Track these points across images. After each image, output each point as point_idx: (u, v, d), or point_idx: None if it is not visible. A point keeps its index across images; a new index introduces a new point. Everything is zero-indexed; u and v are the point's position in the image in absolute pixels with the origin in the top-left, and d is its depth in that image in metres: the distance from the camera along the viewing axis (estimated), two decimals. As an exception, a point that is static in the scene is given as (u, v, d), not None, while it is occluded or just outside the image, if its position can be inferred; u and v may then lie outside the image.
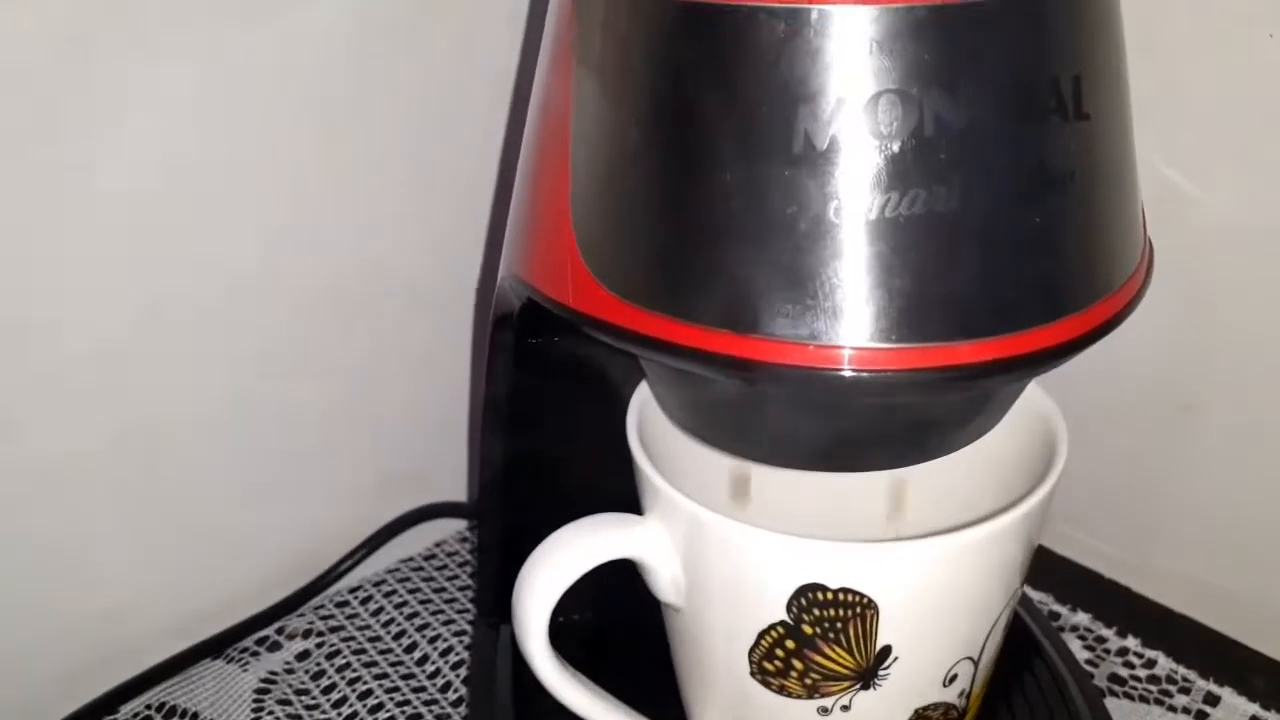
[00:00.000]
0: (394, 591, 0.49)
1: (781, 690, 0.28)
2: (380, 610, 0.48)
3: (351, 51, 0.41)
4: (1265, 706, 0.42)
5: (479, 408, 0.35)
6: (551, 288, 0.27)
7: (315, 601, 0.49)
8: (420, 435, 0.51)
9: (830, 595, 0.26)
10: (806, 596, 0.26)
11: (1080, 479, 0.49)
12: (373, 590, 0.49)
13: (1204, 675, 0.43)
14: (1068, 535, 0.50)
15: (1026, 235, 0.23)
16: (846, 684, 0.27)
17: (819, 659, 0.27)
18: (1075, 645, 0.45)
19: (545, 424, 0.36)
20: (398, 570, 0.50)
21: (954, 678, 0.28)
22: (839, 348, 0.23)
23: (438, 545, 0.51)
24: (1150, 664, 0.44)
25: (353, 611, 0.48)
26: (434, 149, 0.46)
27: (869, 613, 0.26)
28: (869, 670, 0.27)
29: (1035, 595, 0.48)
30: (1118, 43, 0.25)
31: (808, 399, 0.25)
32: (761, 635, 0.27)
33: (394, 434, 0.50)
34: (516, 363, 0.33)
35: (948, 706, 0.29)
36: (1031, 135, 0.22)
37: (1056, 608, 0.47)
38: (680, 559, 0.28)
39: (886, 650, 0.27)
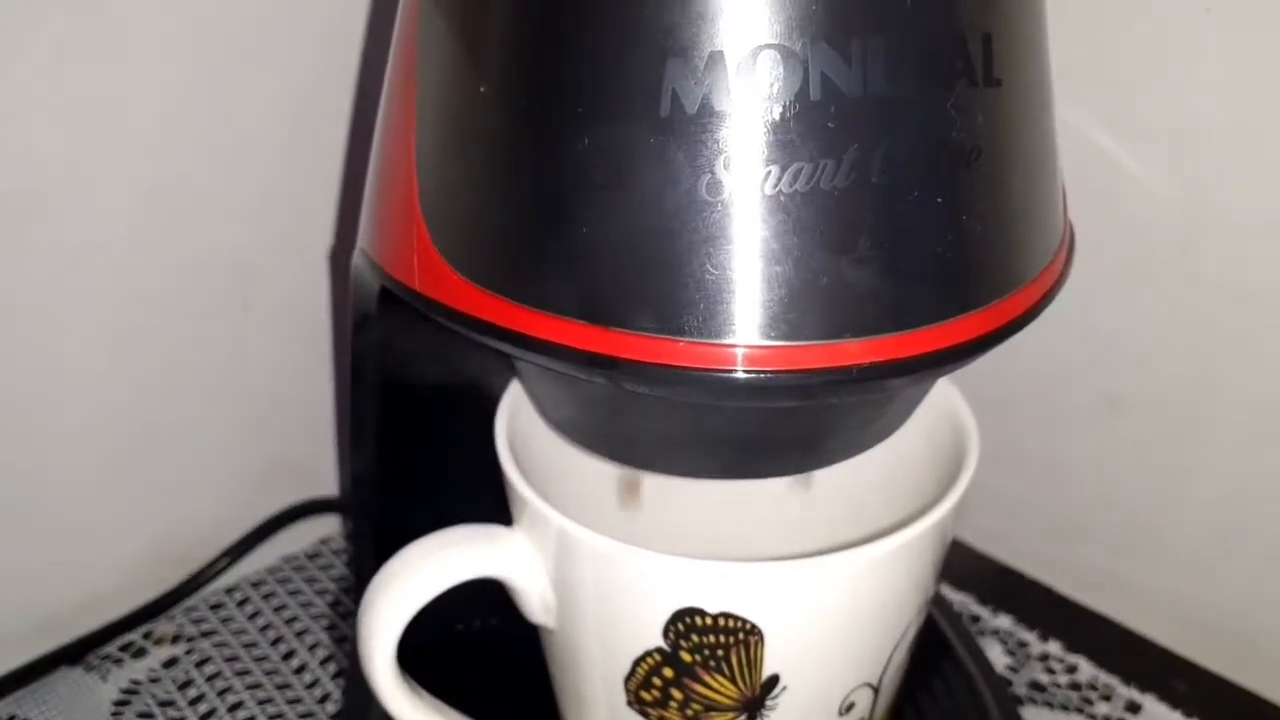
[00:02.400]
0: (273, 594, 0.45)
1: (660, 721, 0.25)
2: (258, 614, 0.44)
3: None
4: (1188, 714, 0.40)
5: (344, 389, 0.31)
6: (398, 268, 0.23)
7: (188, 603, 0.45)
8: (304, 425, 0.47)
9: (710, 620, 0.23)
10: (684, 621, 0.23)
11: (1004, 474, 0.47)
12: (250, 591, 0.45)
13: (1126, 681, 0.42)
14: (990, 532, 0.48)
15: (927, 219, 0.20)
16: (730, 715, 0.25)
17: (699, 689, 0.24)
18: (996, 650, 0.43)
19: (419, 418, 0.32)
20: (279, 569, 0.47)
21: (850, 706, 0.26)
22: (711, 344, 0.19)
23: (323, 542, 0.48)
24: (1071, 669, 0.42)
25: (227, 614, 0.44)
26: (300, 126, 0.42)
27: (753, 639, 0.23)
28: (755, 700, 0.24)
29: (955, 597, 0.46)
30: (1035, 1, 0.22)
31: (683, 402, 0.22)
32: (637, 662, 0.24)
33: (275, 423, 0.46)
34: (383, 356, 0.30)
35: (845, 736, 0.26)
36: (934, 103, 0.19)
37: (977, 609, 0.45)
38: (549, 577, 0.25)
39: (774, 680, 0.24)
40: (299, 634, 0.43)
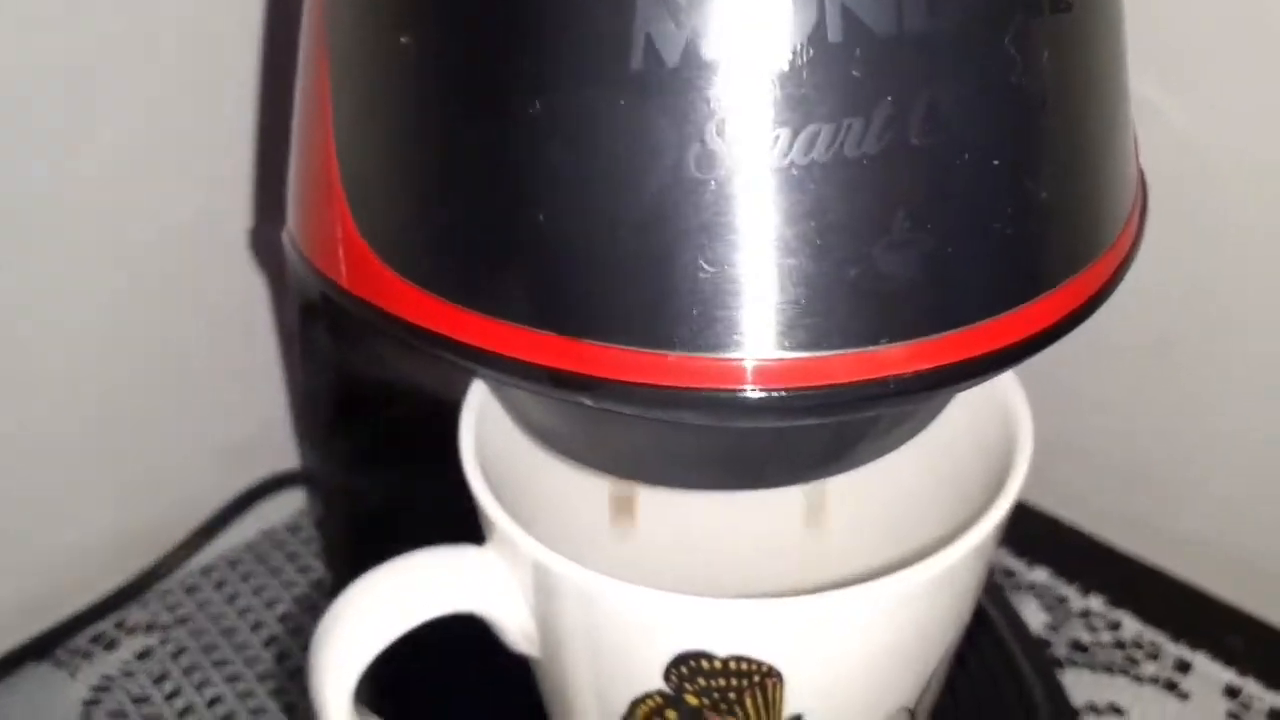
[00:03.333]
0: (252, 574, 0.42)
1: (668, 761, 0.22)
2: (236, 596, 0.41)
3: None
4: (1242, 672, 0.37)
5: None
6: (323, 260, 0.19)
7: (162, 586, 0.42)
8: (273, 397, 0.44)
9: (719, 664, 0.19)
10: (688, 665, 0.19)
11: (1043, 417, 0.43)
12: (228, 572, 0.42)
13: (1175, 638, 0.38)
14: (1027, 478, 0.44)
15: (982, 187, 0.15)
16: (748, 757, 0.21)
17: (711, 732, 0.21)
18: (1033, 607, 0.40)
19: (374, 399, 0.29)
20: (258, 545, 0.43)
21: (886, 734, 0.22)
22: (711, 359, 0.15)
23: (304, 513, 0.45)
24: (1115, 625, 0.39)
25: (204, 598, 0.41)
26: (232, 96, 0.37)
27: (770, 681, 0.20)
28: (776, 742, 0.21)
29: (987, 549, 0.42)
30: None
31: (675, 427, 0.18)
32: (635, 704, 0.21)
33: (244, 396, 0.43)
34: (332, 341, 0.26)
35: (879, 762, 0.23)
36: (989, 39, 0.15)
37: (1012, 563, 0.42)
38: (528, 605, 0.21)
39: (796, 719, 0.20)
40: (280, 618, 0.40)
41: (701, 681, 0.20)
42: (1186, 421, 0.39)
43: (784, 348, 0.15)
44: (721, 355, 0.15)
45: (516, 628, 0.22)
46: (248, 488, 0.43)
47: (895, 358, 0.15)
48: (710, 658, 0.19)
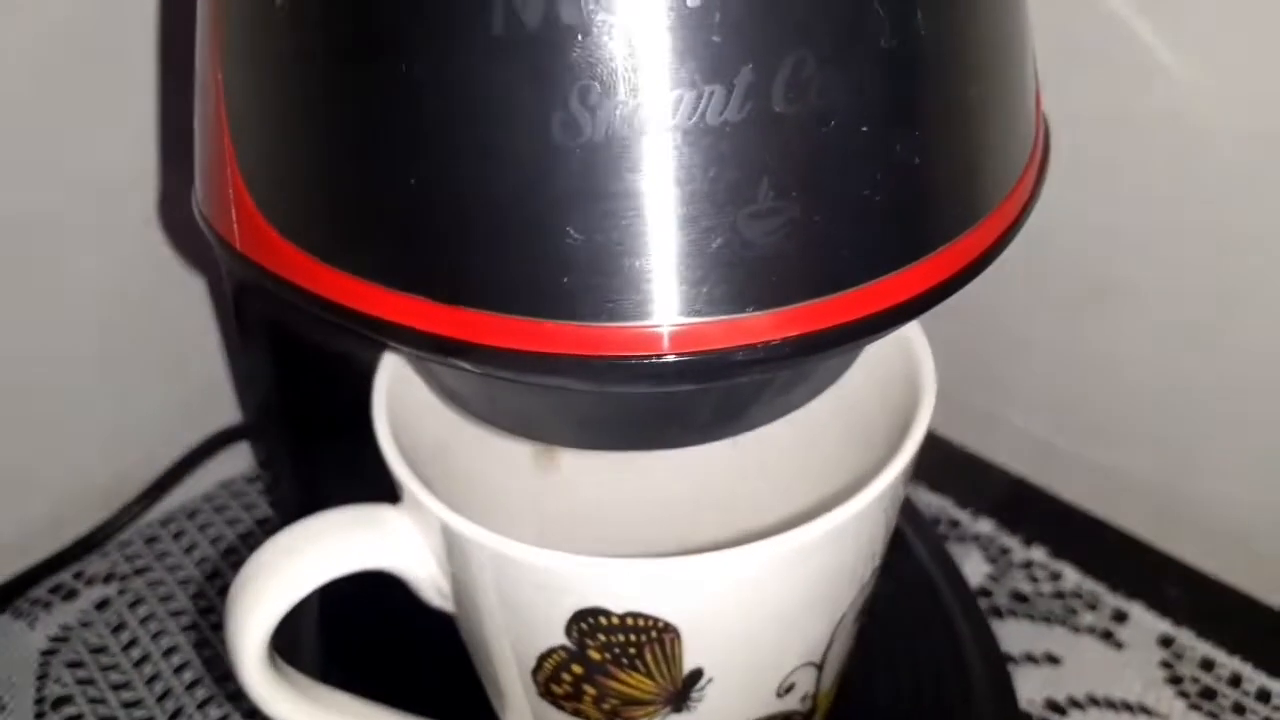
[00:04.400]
0: (210, 524, 0.43)
1: (577, 714, 0.22)
2: (194, 547, 0.42)
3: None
4: (1177, 622, 0.38)
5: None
6: (221, 223, 0.19)
7: (122, 537, 0.42)
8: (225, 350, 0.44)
9: (616, 620, 0.20)
10: (588, 621, 0.20)
11: (989, 367, 0.43)
12: (186, 524, 0.43)
13: (1114, 588, 0.39)
14: (971, 429, 0.45)
15: (849, 154, 0.15)
16: (652, 709, 0.22)
17: (613, 684, 0.21)
18: (976, 558, 0.41)
19: (309, 357, 0.29)
20: (215, 496, 0.44)
21: (791, 687, 0.23)
22: (578, 326, 0.16)
23: (263, 464, 0.45)
24: (1056, 576, 0.40)
25: (163, 549, 0.42)
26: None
27: (667, 636, 0.20)
28: (678, 694, 0.21)
29: (933, 501, 0.43)
30: None
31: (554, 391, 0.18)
32: (543, 658, 0.21)
33: (202, 347, 0.43)
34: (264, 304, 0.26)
35: (788, 714, 0.24)
36: (856, 1, 0.15)
37: (956, 514, 0.42)
38: (438, 564, 0.22)
39: (697, 673, 0.21)
40: (235, 564, 0.41)
41: (602, 637, 0.20)
42: (1128, 371, 0.40)
43: (648, 316, 0.15)
44: (591, 323, 0.15)
45: (430, 585, 0.22)
46: (203, 440, 0.44)
47: (762, 325, 0.16)
48: (608, 614, 0.20)
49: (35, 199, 0.36)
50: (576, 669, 0.21)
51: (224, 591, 0.39)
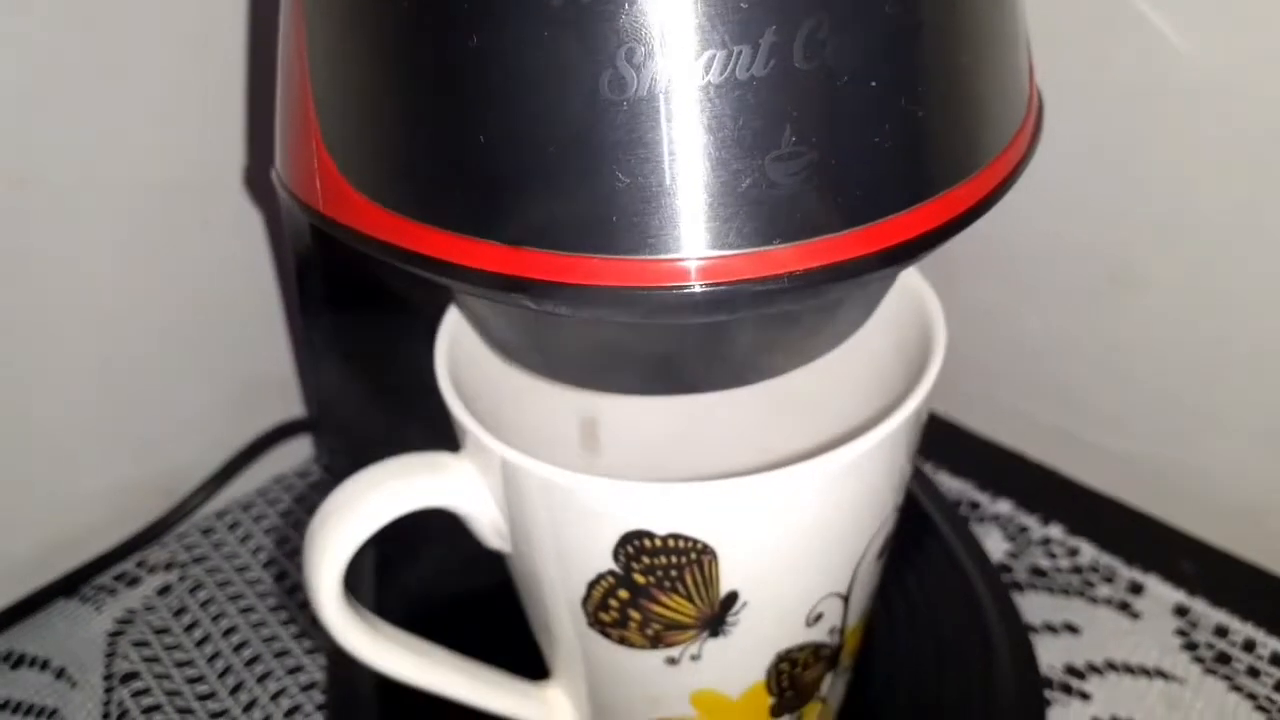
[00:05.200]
0: (264, 516, 0.45)
1: (623, 641, 0.24)
2: (249, 537, 0.44)
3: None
4: (1192, 592, 0.39)
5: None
6: (303, 189, 0.22)
7: (179, 529, 0.45)
8: (282, 344, 0.46)
9: (659, 542, 0.22)
10: (633, 545, 0.22)
11: (1006, 356, 0.45)
12: (241, 515, 0.45)
13: (1130, 563, 0.41)
14: (990, 415, 0.47)
15: (860, 106, 0.18)
16: (692, 633, 0.24)
17: (657, 609, 0.23)
18: (996, 536, 0.42)
19: (374, 336, 0.31)
20: (269, 490, 0.46)
21: (819, 617, 0.25)
22: (627, 261, 0.18)
23: (312, 459, 0.47)
24: (1073, 552, 0.41)
25: (219, 539, 0.44)
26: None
27: (705, 558, 0.22)
28: (715, 618, 0.23)
29: (954, 484, 0.44)
30: None
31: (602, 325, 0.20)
32: (592, 585, 0.23)
33: (252, 344, 0.45)
34: (328, 277, 0.28)
35: (817, 646, 0.25)
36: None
37: (976, 496, 0.44)
38: (497, 504, 0.24)
39: (733, 596, 0.23)
40: (290, 554, 0.43)
41: (646, 560, 0.22)
42: (1139, 357, 0.41)
43: (688, 250, 0.18)
44: (634, 257, 0.18)
45: (489, 525, 0.24)
46: (259, 435, 0.46)
47: (786, 258, 0.18)
48: (651, 536, 0.22)
49: (105, 199, 0.39)
50: (623, 594, 0.23)
51: (280, 577, 0.42)
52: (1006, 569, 0.41)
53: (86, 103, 0.37)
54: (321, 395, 0.32)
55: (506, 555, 0.26)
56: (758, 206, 0.18)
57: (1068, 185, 0.40)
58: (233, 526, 0.45)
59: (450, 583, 0.31)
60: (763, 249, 0.18)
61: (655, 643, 0.24)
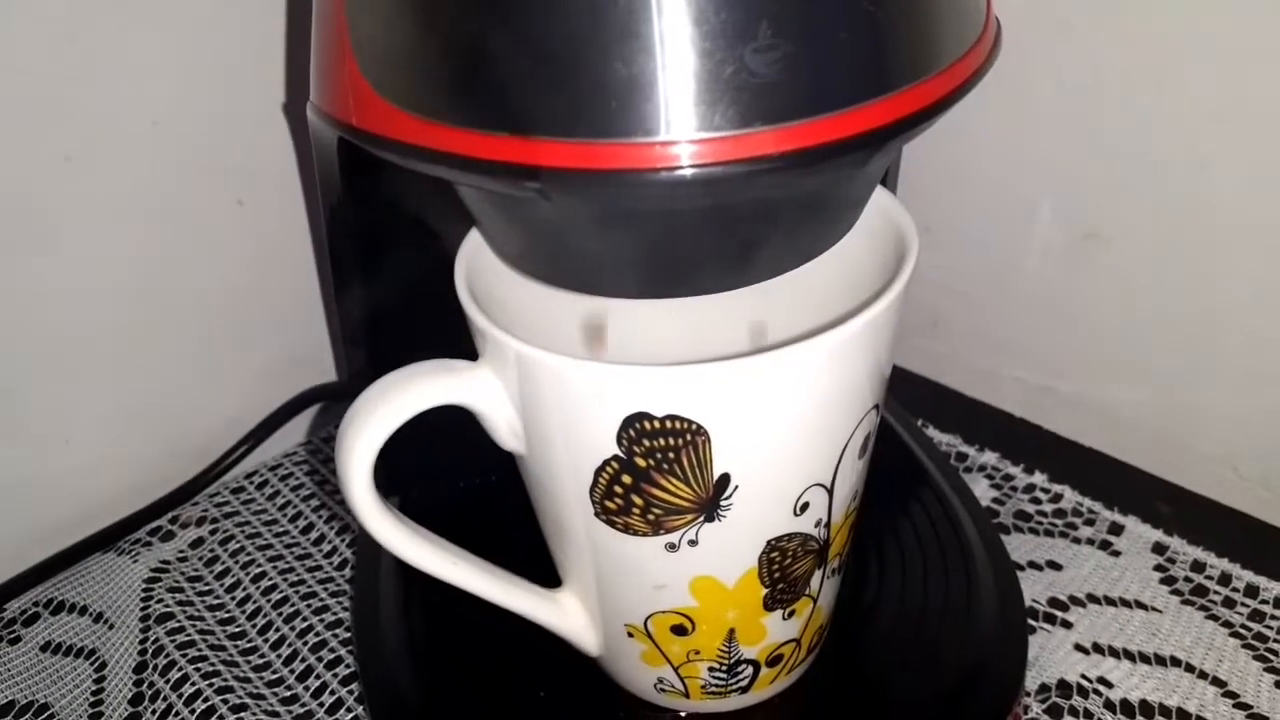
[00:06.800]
0: (291, 475, 0.47)
1: (627, 529, 0.27)
2: (277, 494, 0.47)
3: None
4: (1169, 532, 0.41)
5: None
6: (337, 107, 0.24)
7: (211, 489, 0.47)
8: (314, 315, 0.49)
9: (658, 424, 0.24)
10: (635, 427, 0.24)
11: (987, 316, 0.48)
12: (269, 475, 0.48)
13: (1110, 506, 0.43)
14: (975, 374, 0.49)
15: (830, 4, 0.20)
16: (689, 517, 0.26)
17: (657, 492, 0.26)
18: (982, 484, 0.44)
19: (400, 270, 0.34)
20: (296, 454, 0.49)
21: (805, 506, 0.27)
22: (628, 144, 0.20)
23: (338, 428, 0.50)
24: (1057, 498, 0.44)
25: (249, 497, 0.47)
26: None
27: (700, 440, 0.24)
28: (710, 501, 0.26)
29: (943, 438, 0.47)
30: None
31: (619, 215, 0.23)
32: (598, 472, 0.26)
33: (286, 314, 0.48)
34: (352, 207, 0.31)
35: (805, 538, 0.28)
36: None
37: (964, 448, 0.46)
38: (512, 403, 0.26)
39: (725, 479, 0.25)
40: (316, 509, 0.46)
41: (646, 443, 0.25)
42: (1114, 312, 0.44)
43: (681, 132, 0.20)
44: (634, 140, 0.20)
45: (504, 422, 0.27)
46: (285, 401, 0.49)
47: (766, 140, 0.20)
48: (650, 418, 0.24)
49: (140, 174, 0.42)
50: (626, 479, 0.25)
51: (307, 530, 0.44)
52: (993, 514, 0.43)
53: (130, 86, 0.40)
54: (348, 320, 0.35)
55: (520, 457, 0.28)
56: (739, 93, 0.20)
57: (1039, 143, 0.42)
58: (261, 485, 0.47)
59: (466, 514, 0.33)
60: (745, 131, 0.20)
61: (656, 529, 0.26)
